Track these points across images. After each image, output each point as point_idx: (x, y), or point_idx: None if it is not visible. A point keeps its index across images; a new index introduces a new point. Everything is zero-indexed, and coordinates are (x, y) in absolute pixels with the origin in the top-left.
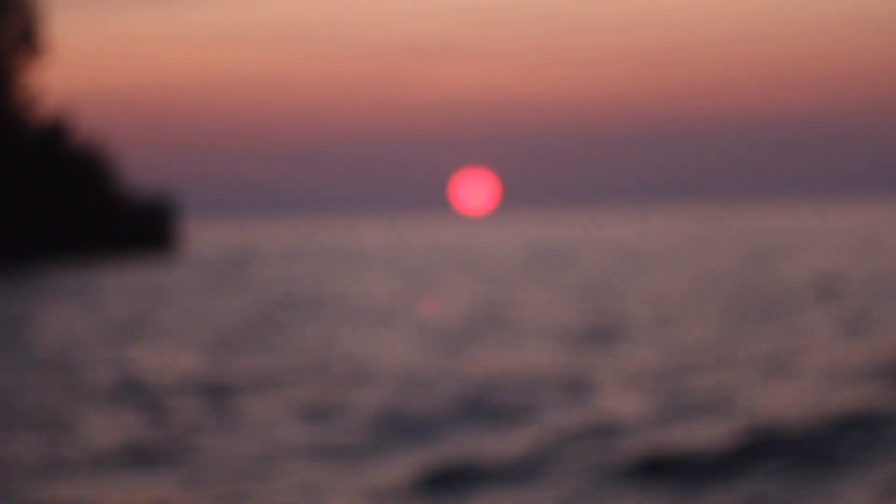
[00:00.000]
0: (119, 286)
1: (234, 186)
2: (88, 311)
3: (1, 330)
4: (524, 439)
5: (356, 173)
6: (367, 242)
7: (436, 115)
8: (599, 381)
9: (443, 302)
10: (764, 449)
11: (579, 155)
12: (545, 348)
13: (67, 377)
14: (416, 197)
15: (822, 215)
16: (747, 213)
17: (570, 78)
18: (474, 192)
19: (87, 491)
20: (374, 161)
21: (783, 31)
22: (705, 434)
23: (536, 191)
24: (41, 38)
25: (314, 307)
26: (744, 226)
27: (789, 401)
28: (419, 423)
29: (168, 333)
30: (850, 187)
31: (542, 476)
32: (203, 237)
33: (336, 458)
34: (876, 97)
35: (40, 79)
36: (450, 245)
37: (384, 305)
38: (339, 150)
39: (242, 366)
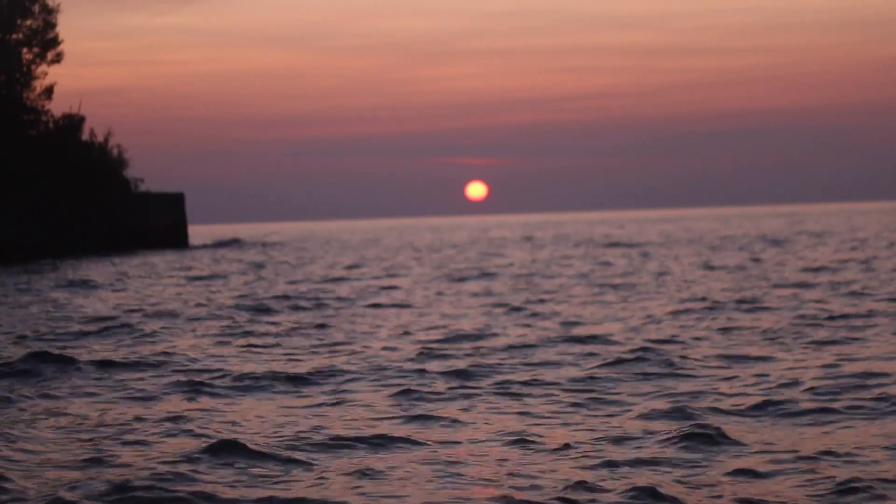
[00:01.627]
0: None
1: (235, 189)
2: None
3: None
4: None
5: (357, 173)
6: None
7: (436, 113)
8: None
9: None
10: None
11: (577, 153)
12: None
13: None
14: (418, 192)
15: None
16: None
17: (569, 76)
18: (475, 186)
19: None
20: (376, 160)
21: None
22: None
23: (534, 188)
24: (56, 35)
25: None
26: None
27: None
28: None
29: None
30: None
31: None
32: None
33: None
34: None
35: (55, 74)
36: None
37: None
38: (339, 148)
39: None
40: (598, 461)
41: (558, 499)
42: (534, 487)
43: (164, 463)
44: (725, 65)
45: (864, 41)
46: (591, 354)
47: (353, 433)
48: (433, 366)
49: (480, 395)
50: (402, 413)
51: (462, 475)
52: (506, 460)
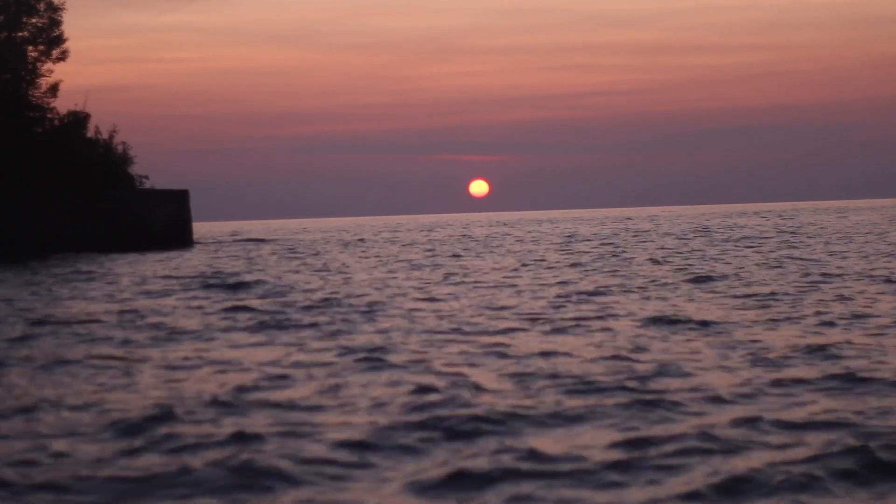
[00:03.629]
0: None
1: (238, 186)
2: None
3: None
4: None
5: (357, 172)
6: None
7: (438, 110)
8: None
9: None
10: None
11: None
12: None
13: None
14: (420, 189)
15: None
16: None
17: (571, 74)
18: (477, 183)
19: None
20: (377, 158)
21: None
22: None
23: (536, 185)
24: (61, 33)
25: None
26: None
27: None
28: None
29: None
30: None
31: None
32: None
33: None
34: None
35: (60, 72)
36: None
37: None
38: (342, 145)
39: None
40: None
41: None
42: None
43: None
44: (728, 62)
45: (868, 38)
46: None
47: None
48: None
49: None
50: None
51: None
52: None
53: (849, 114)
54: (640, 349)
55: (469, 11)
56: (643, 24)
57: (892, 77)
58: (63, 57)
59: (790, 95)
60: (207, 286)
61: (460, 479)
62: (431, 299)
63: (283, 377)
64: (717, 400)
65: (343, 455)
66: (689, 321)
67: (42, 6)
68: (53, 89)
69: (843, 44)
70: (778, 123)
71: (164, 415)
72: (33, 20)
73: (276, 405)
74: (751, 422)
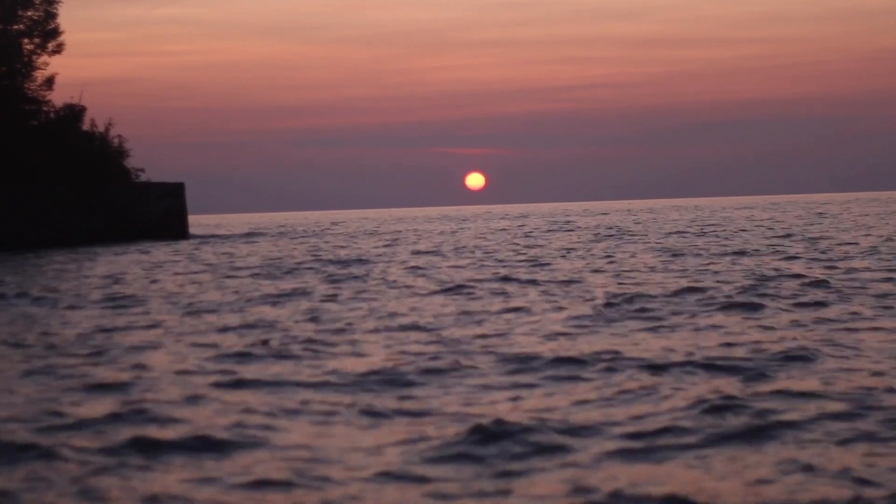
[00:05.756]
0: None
1: (234, 179)
2: None
3: None
4: None
5: (356, 167)
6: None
7: (434, 103)
8: None
9: None
10: None
11: (570, 144)
12: None
13: None
14: (417, 182)
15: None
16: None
17: (566, 67)
18: (473, 176)
19: None
20: (374, 153)
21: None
22: None
23: (532, 178)
24: (57, 26)
25: None
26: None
27: None
28: None
29: None
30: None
31: None
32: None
33: None
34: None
35: (56, 65)
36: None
37: None
38: (338, 138)
39: None
40: None
41: None
42: None
43: None
44: (722, 55)
45: (862, 31)
46: None
47: None
48: None
49: None
50: None
51: None
52: None
53: (844, 107)
54: None
55: (464, 4)
56: (638, 17)
57: (887, 70)
58: (59, 50)
59: (785, 88)
60: None
61: None
62: None
63: None
64: None
65: None
66: None
67: None
68: (49, 82)
69: (837, 37)
70: (773, 116)
71: None
72: (29, 13)
73: None
74: None
